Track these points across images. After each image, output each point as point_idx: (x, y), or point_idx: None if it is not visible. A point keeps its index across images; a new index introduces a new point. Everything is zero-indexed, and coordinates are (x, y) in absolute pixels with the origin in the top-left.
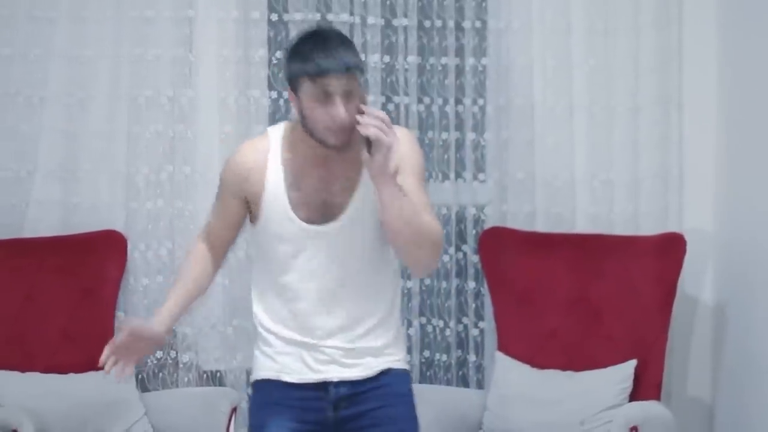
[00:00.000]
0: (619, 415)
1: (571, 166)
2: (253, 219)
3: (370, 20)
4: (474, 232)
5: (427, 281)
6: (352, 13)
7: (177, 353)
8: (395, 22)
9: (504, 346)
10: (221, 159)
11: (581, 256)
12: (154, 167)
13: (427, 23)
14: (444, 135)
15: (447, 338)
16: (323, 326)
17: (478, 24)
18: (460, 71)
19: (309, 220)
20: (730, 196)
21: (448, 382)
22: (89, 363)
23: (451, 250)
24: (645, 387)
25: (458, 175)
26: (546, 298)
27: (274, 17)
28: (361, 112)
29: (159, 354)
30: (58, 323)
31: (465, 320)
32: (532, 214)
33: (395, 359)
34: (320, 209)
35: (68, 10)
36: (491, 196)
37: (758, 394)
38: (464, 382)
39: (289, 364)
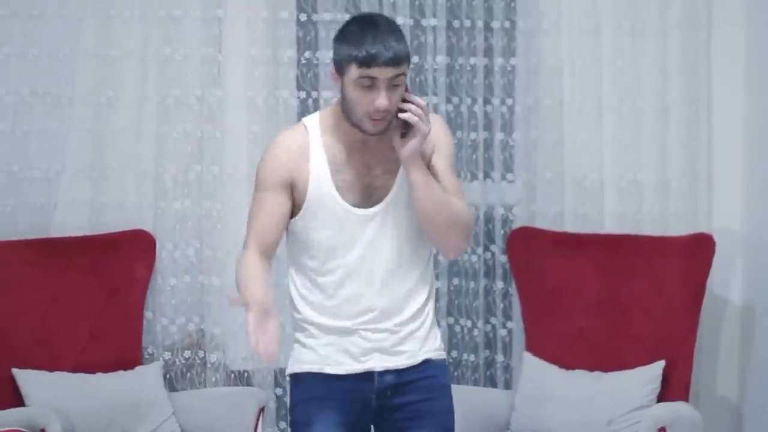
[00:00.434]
0: (647, 416)
1: (600, 167)
2: (296, 209)
3: (399, 20)
4: (502, 232)
5: (455, 281)
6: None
7: (205, 353)
8: (424, 23)
9: (532, 347)
10: (249, 159)
11: (610, 257)
12: (182, 167)
13: (456, 23)
14: (472, 135)
15: (475, 338)
16: (372, 308)
17: (507, 24)
18: (488, 71)
19: (355, 204)
20: (759, 196)
21: (476, 383)
22: (117, 363)
23: (479, 250)
24: (673, 388)
25: (486, 175)
26: (574, 298)
27: (303, 17)
28: (405, 100)
29: (187, 354)
30: (85, 323)
31: (493, 320)
32: (561, 214)
33: (435, 348)
34: (364, 193)
35: (96, 9)
36: (519, 196)
37: None
38: (492, 382)
39: (333, 356)
